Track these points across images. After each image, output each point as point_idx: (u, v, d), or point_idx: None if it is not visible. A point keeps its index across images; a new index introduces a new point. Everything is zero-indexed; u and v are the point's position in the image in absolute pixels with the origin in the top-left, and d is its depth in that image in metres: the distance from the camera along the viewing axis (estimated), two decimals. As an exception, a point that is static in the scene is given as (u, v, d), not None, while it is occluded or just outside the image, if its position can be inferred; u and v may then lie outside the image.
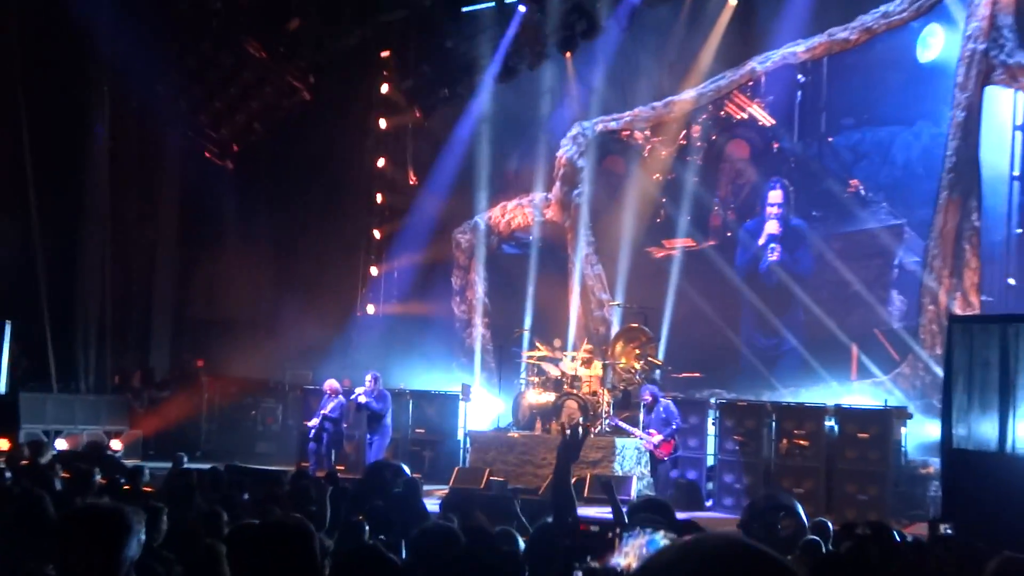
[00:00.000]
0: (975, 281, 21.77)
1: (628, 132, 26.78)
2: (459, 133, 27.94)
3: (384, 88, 28.60)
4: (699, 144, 25.69)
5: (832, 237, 23.83)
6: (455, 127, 28.03)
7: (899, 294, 22.99)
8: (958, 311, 21.13)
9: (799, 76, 24.50)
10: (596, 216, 26.81)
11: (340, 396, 22.34)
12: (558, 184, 27.46)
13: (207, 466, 16.01)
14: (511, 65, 27.14)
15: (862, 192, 23.56)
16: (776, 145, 24.88)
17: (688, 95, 25.65)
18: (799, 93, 24.59)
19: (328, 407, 22.29)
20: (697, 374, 24.53)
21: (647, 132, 26.45)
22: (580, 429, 7.09)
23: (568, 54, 26.60)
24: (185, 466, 16.72)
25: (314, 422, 22.37)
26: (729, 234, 25.29)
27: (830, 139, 24.14)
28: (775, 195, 24.13)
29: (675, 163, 26.03)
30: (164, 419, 26.13)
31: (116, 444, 23.50)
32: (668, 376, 23.76)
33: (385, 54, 28.43)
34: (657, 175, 26.32)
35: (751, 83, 25.12)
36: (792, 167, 24.61)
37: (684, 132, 25.92)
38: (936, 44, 22.83)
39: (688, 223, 25.64)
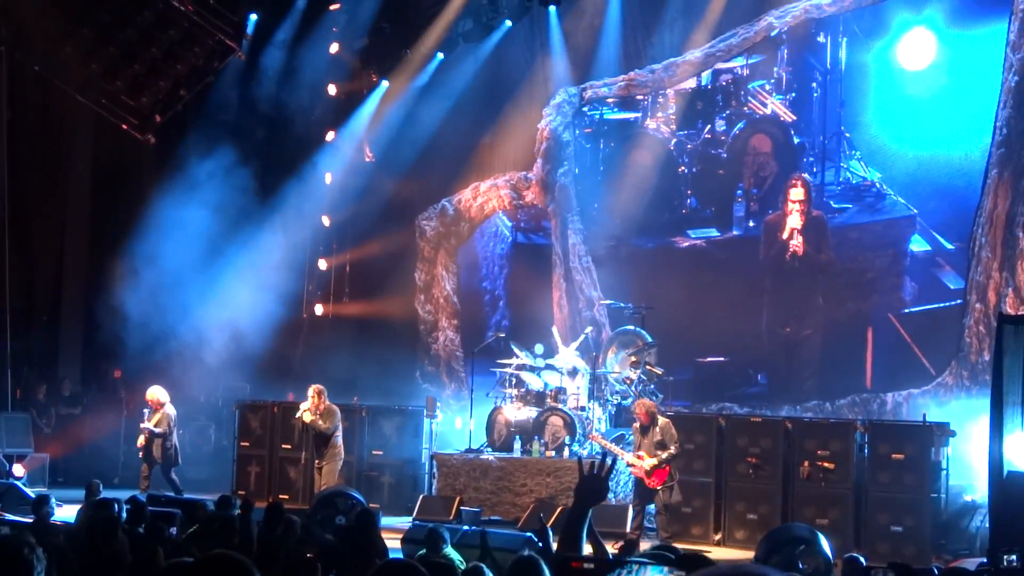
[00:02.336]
0: (1030, 275, 22.02)
1: (655, 125, 27.38)
2: (423, 102, 28.00)
3: (334, 48, 28.60)
4: (723, 138, 26.55)
5: (850, 228, 25.68)
6: (419, 95, 28.09)
7: (911, 280, 24.68)
8: (1009, 310, 21.32)
9: (817, 75, 26.34)
10: (600, 203, 27.31)
11: (166, 407, 22.32)
12: (540, 161, 27.61)
13: (126, 495, 16.07)
14: (485, 21, 27.22)
15: (878, 184, 25.25)
16: (797, 140, 26.64)
17: (693, 55, 26.00)
18: (818, 89, 26.35)
19: (153, 420, 22.22)
20: (722, 358, 26.02)
21: (672, 127, 27.02)
22: (603, 463, 6.89)
23: (552, 7, 26.71)
24: (102, 495, 16.75)
25: (141, 441, 22.39)
26: (752, 224, 26.30)
27: (848, 134, 25.74)
28: (797, 192, 25.74)
29: (700, 156, 26.75)
30: (75, 440, 26.13)
31: (18, 469, 23.51)
32: (680, 373, 24.31)
33: (335, 7, 28.41)
34: (682, 167, 26.98)
35: (774, 78, 26.61)
36: (812, 160, 26.32)
37: (709, 127, 26.82)
38: (928, 48, 24.64)
39: (712, 214, 27.01)
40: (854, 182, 25.63)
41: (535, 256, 28.60)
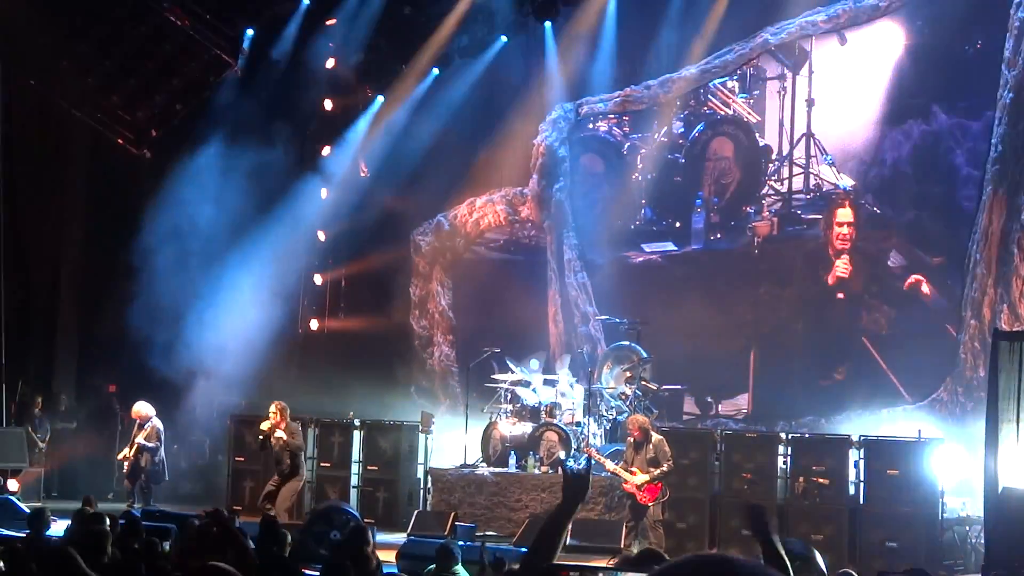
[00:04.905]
0: (1024, 291, 22.00)
1: (606, 127, 27.19)
2: (419, 117, 27.98)
3: (330, 63, 28.58)
4: (681, 142, 26.35)
5: (821, 241, 24.94)
6: (414, 110, 28.08)
7: (887, 300, 24.15)
8: (1004, 326, 21.32)
9: (784, 70, 25.60)
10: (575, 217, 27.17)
11: (153, 420, 22.32)
12: (535, 177, 27.57)
13: (120, 509, 16.04)
14: (480, 36, 27.22)
15: (851, 193, 24.65)
16: (762, 143, 25.93)
17: (690, 72, 25.91)
18: (784, 88, 25.66)
19: (142, 435, 22.24)
20: (678, 386, 25.00)
21: (626, 128, 26.85)
22: (582, 461, 6.99)
23: (548, 23, 26.70)
24: (96, 510, 16.71)
25: (126, 454, 22.33)
26: (713, 237, 25.96)
27: (818, 136, 25.13)
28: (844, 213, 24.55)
29: (656, 161, 26.47)
30: (70, 454, 26.07)
31: (13, 484, 23.45)
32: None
33: (331, 22, 28.37)
34: (636, 174, 26.70)
35: (737, 74, 26.10)
36: (778, 166, 25.68)
37: (665, 129, 26.47)
38: (901, 42, 24.30)
39: (669, 226, 26.53)
40: (824, 189, 25.06)
41: (477, 273, 28.51)
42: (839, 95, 24.91)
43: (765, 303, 25.07)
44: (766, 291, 25.07)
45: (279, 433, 20.88)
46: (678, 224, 26.55)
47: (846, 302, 24.49)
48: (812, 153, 25.13)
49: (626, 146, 27.06)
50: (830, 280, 24.57)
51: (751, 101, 26.05)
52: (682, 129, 26.68)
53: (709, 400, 25.52)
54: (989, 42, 23.36)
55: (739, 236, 25.88)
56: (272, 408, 21.11)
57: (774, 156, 25.76)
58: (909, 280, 23.88)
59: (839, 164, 24.82)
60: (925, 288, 23.68)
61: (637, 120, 27.11)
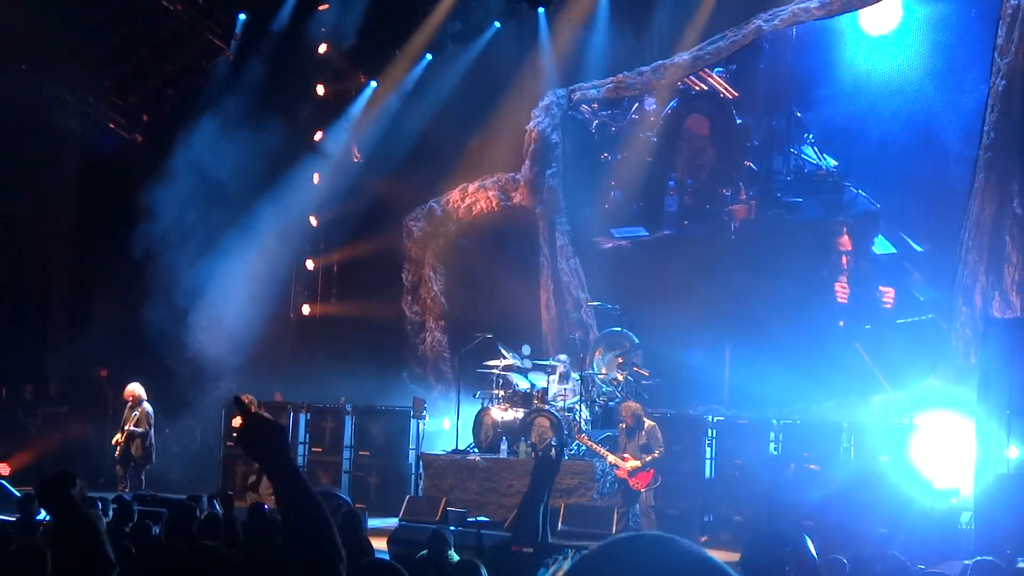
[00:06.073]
0: (1016, 278, 21.97)
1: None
2: (412, 102, 27.96)
3: (322, 48, 28.55)
4: (653, 119, 25.96)
5: (802, 225, 24.40)
6: (407, 95, 28.06)
7: (877, 286, 23.69)
8: (996, 313, 21.34)
9: (764, 43, 24.93)
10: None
11: (144, 404, 22.31)
12: (528, 162, 27.52)
13: (111, 495, 16.02)
14: (474, 22, 27.20)
15: (834, 174, 24.13)
16: (739, 120, 25.27)
17: (683, 58, 25.80)
18: (764, 61, 25.07)
19: (133, 420, 22.23)
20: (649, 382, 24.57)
21: (595, 105, 26.67)
22: (554, 448, 7.05)
23: (541, 8, 26.67)
24: (87, 494, 16.70)
25: (118, 439, 22.34)
26: (687, 222, 25.60)
27: (799, 114, 24.58)
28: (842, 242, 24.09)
29: (626, 141, 26.31)
30: (61, 439, 26.07)
31: (3, 468, 23.44)
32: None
33: (324, 7, 28.34)
34: (605, 154, 26.55)
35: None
36: (757, 145, 25.07)
37: (636, 106, 26.28)
38: (895, 11, 23.59)
39: (640, 210, 26.14)
40: (806, 170, 24.45)
41: (470, 258, 28.45)
42: (821, 69, 24.43)
43: (743, 293, 24.35)
44: (744, 280, 24.43)
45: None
46: (649, 208, 26.02)
47: (828, 294, 24.14)
48: (794, 131, 24.60)
49: (594, 124, 26.78)
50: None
51: (727, 76, 25.53)
52: (654, 106, 26.13)
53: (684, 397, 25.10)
54: (984, 18, 23.03)
55: (715, 220, 25.35)
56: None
57: (752, 134, 25.24)
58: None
59: (821, 142, 24.36)
60: (915, 281, 23.49)
61: (606, 99, 26.70)
